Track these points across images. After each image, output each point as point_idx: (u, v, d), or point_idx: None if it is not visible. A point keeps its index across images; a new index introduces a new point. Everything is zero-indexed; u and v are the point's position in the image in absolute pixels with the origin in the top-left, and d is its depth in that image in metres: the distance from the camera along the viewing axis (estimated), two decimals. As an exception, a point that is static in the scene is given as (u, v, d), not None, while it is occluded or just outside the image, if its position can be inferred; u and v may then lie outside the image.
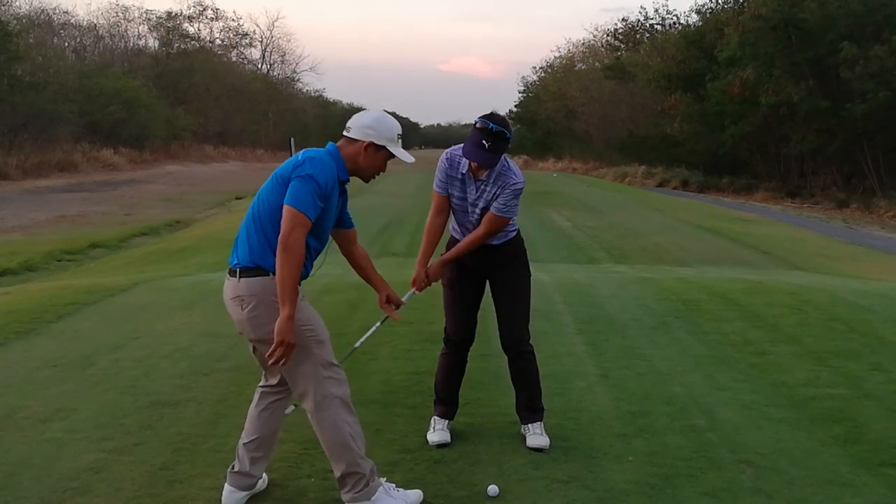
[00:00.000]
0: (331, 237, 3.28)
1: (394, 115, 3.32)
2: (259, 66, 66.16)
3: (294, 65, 64.45)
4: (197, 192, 28.16)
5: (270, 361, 2.96)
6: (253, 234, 3.06)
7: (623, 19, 57.71)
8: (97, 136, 37.32)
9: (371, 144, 3.12)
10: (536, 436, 3.75)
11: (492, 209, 3.60)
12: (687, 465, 3.57)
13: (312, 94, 67.25)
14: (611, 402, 4.40)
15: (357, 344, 3.62)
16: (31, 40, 36.79)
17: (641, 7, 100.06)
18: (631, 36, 48.25)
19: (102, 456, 3.63)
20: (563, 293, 7.35)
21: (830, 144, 28.45)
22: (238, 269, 3.04)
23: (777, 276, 10.19)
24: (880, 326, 6.21)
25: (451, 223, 3.83)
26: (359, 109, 4.08)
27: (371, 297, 7.02)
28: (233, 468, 3.21)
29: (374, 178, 3.23)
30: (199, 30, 55.95)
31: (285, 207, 2.94)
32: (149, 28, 52.06)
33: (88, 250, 13.77)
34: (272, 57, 66.39)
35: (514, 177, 3.59)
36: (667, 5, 68.41)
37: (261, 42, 66.28)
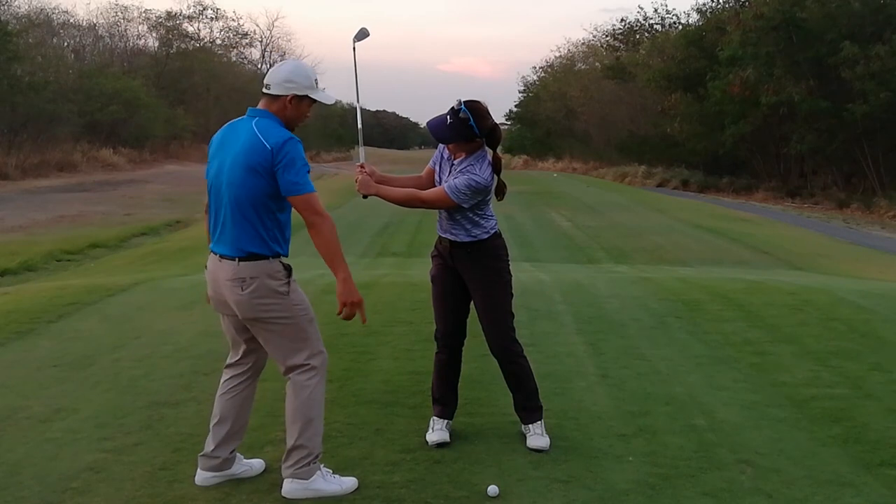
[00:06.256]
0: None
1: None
2: (259, 66, 66.01)
3: (294, 65, 64.22)
4: (197, 191, 28.10)
5: (342, 316, 3.19)
6: (243, 227, 3.16)
7: (622, 19, 57.66)
8: (97, 135, 37.27)
9: (294, 97, 3.20)
10: (536, 436, 3.75)
11: (444, 184, 3.66)
12: (687, 465, 3.57)
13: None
14: (611, 402, 4.39)
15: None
16: (30, 40, 36.70)
17: (640, 7, 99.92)
18: (631, 36, 48.25)
19: (102, 456, 3.63)
20: (563, 293, 7.36)
21: (830, 144, 28.45)
22: (236, 258, 3.17)
23: (777, 276, 10.19)
24: (880, 326, 6.22)
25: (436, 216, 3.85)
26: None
27: (371, 298, 7.05)
28: (201, 451, 3.40)
29: (299, 125, 3.30)
30: (198, 30, 55.78)
31: (300, 199, 3.10)
32: (148, 28, 51.93)
33: (88, 250, 13.77)
34: (272, 57, 66.14)
35: (478, 172, 3.61)
36: (666, 5, 68.48)
37: (261, 42, 66.20)
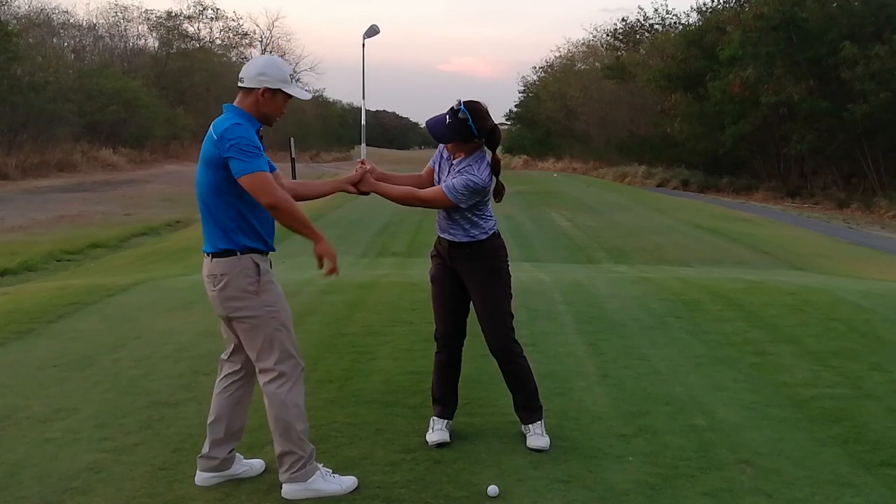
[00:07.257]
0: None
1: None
2: (259, 66, 65.96)
3: (294, 65, 64.17)
4: (197, 191, 28.07)
5: (326, 273, 3.22)
6: (209, 222, 3.21)
7: (622, 19, 57.64)
8: (97, 135, 37.22)
9: (266, 90, 3.20)
10: (536, 436, 3.75)
11: (442, 183, 3.68)
12: (687, 465, 3.57)
13: (312, 94, 67.12)
14: (611, 402, 4.39)
15: None
16: (30, 40, 36.67)
17: (640, 7, 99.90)
18: (631, 36, 48.24)
19: (102, 456, 3.63)
20: (563, 293, 7.36)
21: (830, 144, 28.43)
22: (210, 254, 3.22)
23: (777, 276, 10.19)
24: (880, 326, 6.21)
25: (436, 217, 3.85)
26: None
27: (371, 298, 7.06)
28: (199, 453, 3.39)
29: (276, 120, 3.32)
30: (198, 30, 55.59)
31: (246, 180, 3.05)
32: (148, 28, 51.84)
33: (88, 250, 13.76)
34: (272, 57, 66.39)
35: (476, 172, 3.62)
36: (666, 5, 68.44)
37: (261, 42, 66.17)
